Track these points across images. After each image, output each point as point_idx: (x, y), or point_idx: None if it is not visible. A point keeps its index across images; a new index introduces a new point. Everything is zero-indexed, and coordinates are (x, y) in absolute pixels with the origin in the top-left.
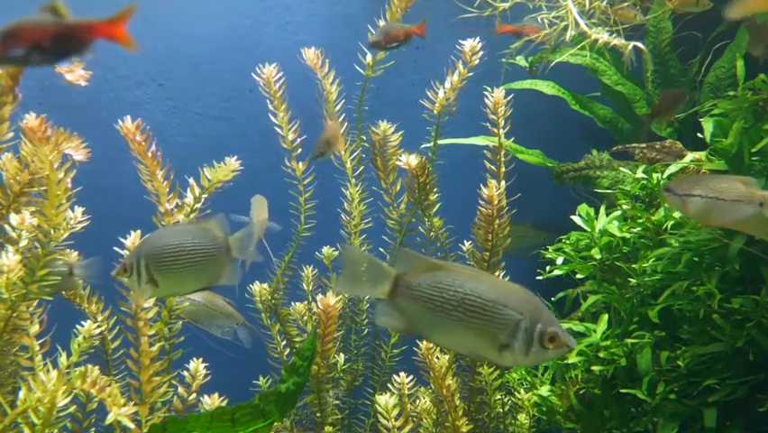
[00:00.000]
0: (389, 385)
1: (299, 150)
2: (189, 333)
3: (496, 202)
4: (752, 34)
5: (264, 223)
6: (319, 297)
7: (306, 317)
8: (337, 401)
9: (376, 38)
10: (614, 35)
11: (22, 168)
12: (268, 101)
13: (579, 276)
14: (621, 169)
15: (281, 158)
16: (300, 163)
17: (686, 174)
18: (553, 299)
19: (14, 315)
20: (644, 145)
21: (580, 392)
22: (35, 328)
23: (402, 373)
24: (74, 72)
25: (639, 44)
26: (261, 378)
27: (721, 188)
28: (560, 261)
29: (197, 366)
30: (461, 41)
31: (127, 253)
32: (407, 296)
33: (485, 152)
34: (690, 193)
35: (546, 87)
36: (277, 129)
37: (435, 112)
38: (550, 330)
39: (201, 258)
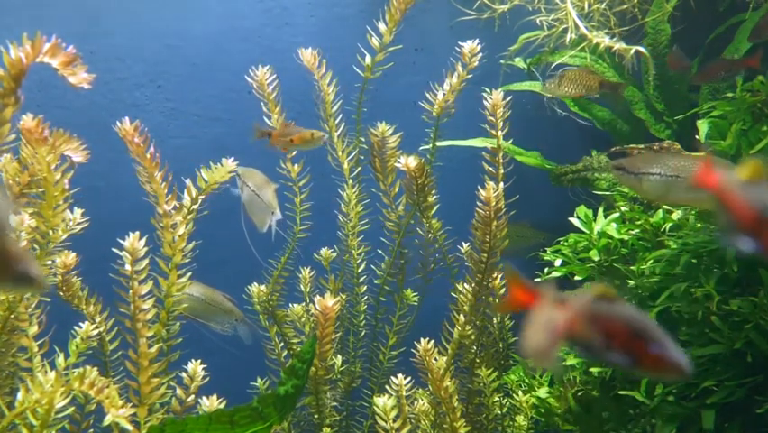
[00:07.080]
0: (387, 387)
1: (294, 152)
2: (188, 334)
3: (493, 204)
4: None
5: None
6: (317, 298)
7: (303, 319)
8: (335, 403)
9: None
10: (614, 38)
11: (22, 169)
12: (262, 103)
13: (577, 278)
14: None
15: (279, 159)
16: (296, 165)
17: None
18: None
19: (12, 316)
20: (642, 146)
21: (579, 394)
22: (34, 329)
23: (400, 375)
24: (77, 75)
25: (641, 48)
26: (259, 380)
27: (682, 166)
28: (558, 262)
29: (196, 368)
30: (460, 43)
31: (126, 254)
32: None
33: (483, 153)
34: (647, 171)
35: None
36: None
37: (434, 113)
38: None
39: None
